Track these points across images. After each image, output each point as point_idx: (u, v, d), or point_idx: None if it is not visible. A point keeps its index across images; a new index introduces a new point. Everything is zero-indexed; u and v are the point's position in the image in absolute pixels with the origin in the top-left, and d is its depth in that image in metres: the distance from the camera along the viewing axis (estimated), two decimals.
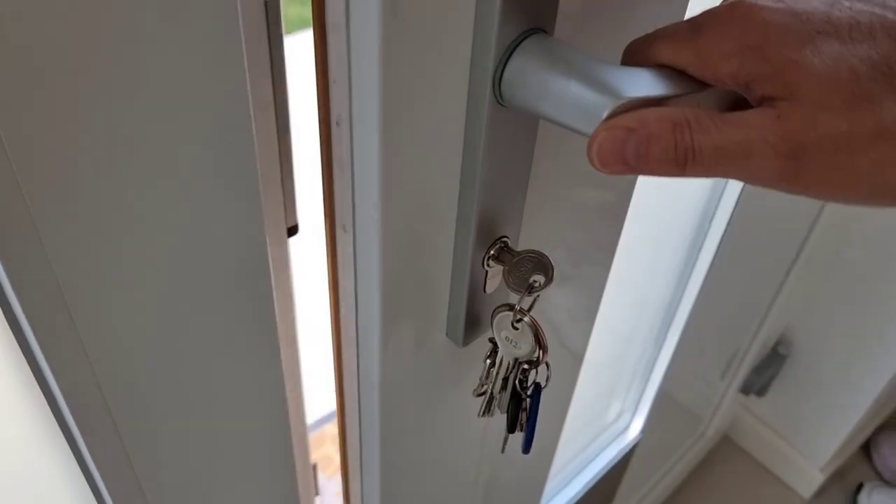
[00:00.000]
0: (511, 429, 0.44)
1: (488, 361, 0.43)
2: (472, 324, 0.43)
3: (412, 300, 0.40)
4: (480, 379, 0.44)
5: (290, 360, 0.72)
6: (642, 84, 0.30)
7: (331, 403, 1.80)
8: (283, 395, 0.68)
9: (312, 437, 1.73)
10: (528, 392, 0.42)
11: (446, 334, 0.44)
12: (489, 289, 0.42)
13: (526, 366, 0.41)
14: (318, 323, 2.09)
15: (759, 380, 1.60)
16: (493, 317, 0.41)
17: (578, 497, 1.01)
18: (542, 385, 0.42)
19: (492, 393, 0.43)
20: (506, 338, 0.41)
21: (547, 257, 0.39)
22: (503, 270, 0.40)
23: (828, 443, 1.61)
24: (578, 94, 0.30)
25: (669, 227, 0.99)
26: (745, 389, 1.62)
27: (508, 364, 0.41)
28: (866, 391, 1.49)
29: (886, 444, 1.70)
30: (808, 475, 1.66)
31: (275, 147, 0.56)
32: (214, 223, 0.36)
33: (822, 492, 1.68)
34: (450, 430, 0.54)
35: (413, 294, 0.40)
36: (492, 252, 0.40)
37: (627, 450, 1.14)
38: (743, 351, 1.45)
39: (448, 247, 0.39)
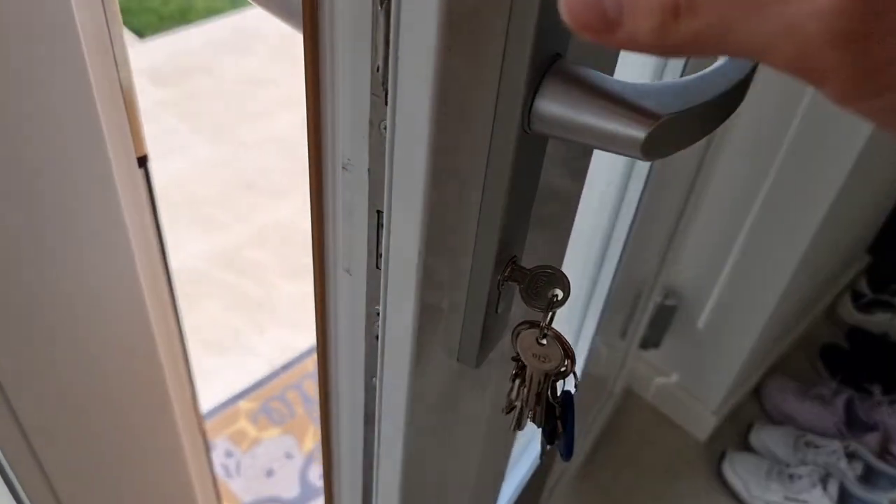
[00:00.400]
0: (551, 440, 0.44)
1: (517, 381, 0.42)
2: (485, 345, 0.42)
3: (435, 334, 0.40)
4: (509, 397, 0.44)
5: (156, 280, 0.74)
6: (683, 95, 0.30)
7: (246, 379, 1.86)
8: (149, 323, 0.69)
9: (225, 413, 1.79)
10: (559, 402, 0.43)
11: (458, 359, 0.43)
12: (501, 309, 0.41)
13: (554, 378, 0.42)
14: (239, 292, 2.23)
15: (654, 333, 1.66)
16: (515, 336, 0.41)
17: (526, 479, 1.05)
18: (573, 392, 0.43)
19: (521, 408, 0.43)
20: (533, 354, 0.41)
21: (560, 270, 0.39)
22: (519, 289, 0.40)
23: (718, 386, 1.67)
24: (613, 118, 0.30)
25: (586, 209, 1.01)
26: (644, 344, 1.68)
27: (540, 380, 0.42)
28: (748, 333, 1.57)
29: (773, 386, 1.78)
30: (703, 419, 1.73)
31: (116, 82, 0.60)
32: (59, 154, 0.37)
33: (716, 434, 1.74)
34: (460, 449, 0.55)
35: (436, 328, 0.40)
36: (506, 273, 0.39)
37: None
38: (641, 309, 1.50)
39: (465, 274, 0.39)
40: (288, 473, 1.67)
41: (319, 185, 0.37)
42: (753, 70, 0.33)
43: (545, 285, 0.39)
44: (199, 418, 0.97)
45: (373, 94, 0.32)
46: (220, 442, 1.71)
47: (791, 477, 1.59)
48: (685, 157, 1.17)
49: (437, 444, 0.50)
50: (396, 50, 0.29)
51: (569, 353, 0.40)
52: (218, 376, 1.84)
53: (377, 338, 0.41)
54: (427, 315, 0.38)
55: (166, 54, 2.80)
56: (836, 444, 1.62)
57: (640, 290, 1.43)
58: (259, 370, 1.85)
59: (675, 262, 1.55)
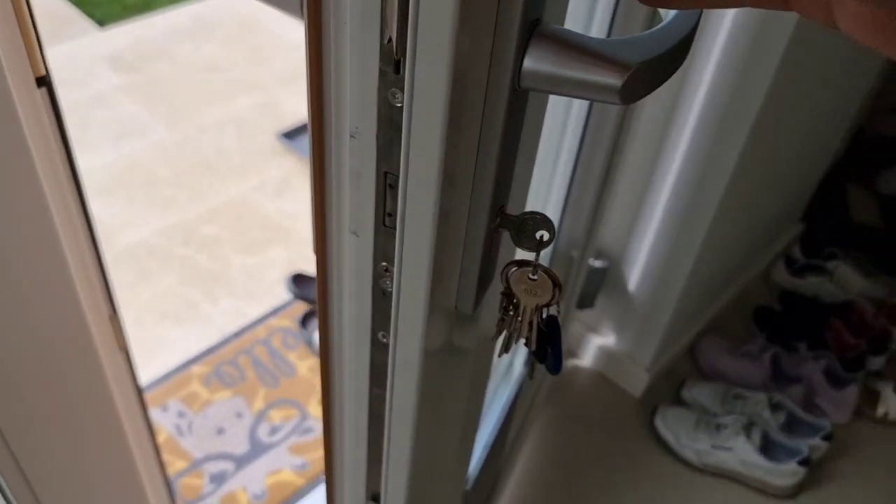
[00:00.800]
0: (542, 359, 0.48)
1: (511, 313, 0.46)
2: (480, 290, 0.46)
3: (440, 284, 0.43)
4: (498, 326, 0.48)
5: (69, 214, 0.75)
6: (646, 47, 0.35)
7: (200, 346, 1.93)
8: (60, 249, 0.69)
9: (178, 377, 1.86)
10: (545, 325, 0.47)
11: (455, 306, 0.46)
12: (492, 255, 0.45)
13: (544, 306, 0.46)
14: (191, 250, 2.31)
15: (588, 294, 1.71)
16: (506, 275, 0.45)
17: (494, 435, 1.10)
18: (557, 314, 0.47)
19: (510, 336, 0.47)
20: (525, 290, 0.45)
21: (544, 214, 0.43)
22: (510, 234, 0.43)
23: (649, 345, 1.73)
24: (594, 70, 0.34)
25: None
26: (579, 305, 1.72)
27: (532, 310, 0.46)
28: (672, 292, 1.62)
29: (706, 344, 1.86)
30: (637, 376, 1.79)
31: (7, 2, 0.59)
32: None
33: (650, 390, 1.80)
34: (454, 388, 0.58)
35: (440, 279, 0.43)
36: (497, 221, 0.43)
37: (517, 389, 1.23)
38: (576, 270, 1.51)
39: (463, 226, 0.42)
40: (238, 431, 1.75)
41: (321, 155, 0.40)
42: (696, 27, 0.38)
43: (531, 229, 0.43)
44: (136, 386, 1.01)
45: (382, 65, 0.35)
46: (172, 403, 1.79)
47: (717, 427, 1.68)
48: (607, 116, 1.24)
49: (438, 387, 0.52)
50: (416, 25, 0.31)
51: (557, 284, 0.44)
52: (174, 344, 1.91)
53: (385, 293, 0.44)
54: (435, 268, 0.40)
55: (127, 41, 2.85)
56: (761, 396, 1.71)
57: (574, 252, 1.46)
58: (212, 337, 1.93)
59: (604, 223, 1.59)
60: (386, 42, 0.34)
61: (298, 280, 2.03)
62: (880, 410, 1.79)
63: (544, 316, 0.47)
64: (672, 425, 1.71)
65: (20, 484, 0.78)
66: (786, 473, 1.61)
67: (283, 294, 2.04)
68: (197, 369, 1.87)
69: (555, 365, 0.49)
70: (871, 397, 1.81)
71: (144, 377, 1.86)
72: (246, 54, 2.86)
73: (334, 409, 0.56)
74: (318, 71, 0.37)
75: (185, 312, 1.97)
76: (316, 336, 1.88)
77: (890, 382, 1.82)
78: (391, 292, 0.43)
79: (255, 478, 1.67)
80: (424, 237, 0.39)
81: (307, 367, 1.88)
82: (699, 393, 1.77)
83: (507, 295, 0.46)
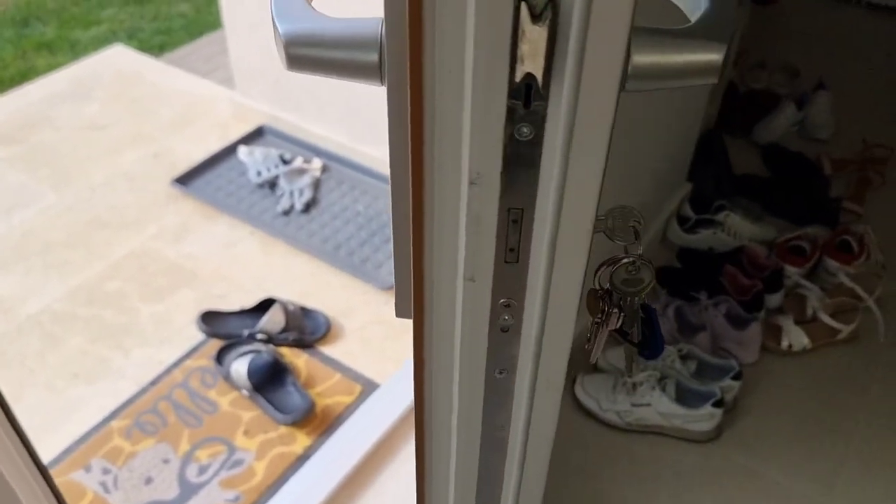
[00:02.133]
0: (642, 349, 0.48)
1: (615, 311, 0.46)
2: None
3: None
4: (593, 329, 0.47)
5: None
6: (722, 27, 0.37)
7: (117, 401, 1.91)
8: None
9: (98, 435, 1.84)
10: (644, 312, 0.46)
11: None
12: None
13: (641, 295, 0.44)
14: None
15: None
16: (598, 276, 0.44)
17: None
18: (647, 302, 0.46)
19: (600, 334, 0.47)
20: (624, 281, 0.44)
21: (625, 205, 0.43)
22: (605, 232, 0.43)
23: None
24: (697, 54, 0.37)
25: None
26: None
27: (635, 301, 0.45)
28: None
29: None
30: None
31: None
32: None
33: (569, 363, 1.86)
34: None
35: None
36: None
37: None
38: None
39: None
40: (166, 477, 1.73)
41: (421, 214, 0.38)
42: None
43: (622, 222, 0.43)
44: (31, 454, 0.99)
45: (510, 103, 0.34)
46: (95, 462, 1.76)
47: (633, 386, 1.73)
48: None
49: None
50: (582, 51, 0.32)
51: (654, 271, 0.43)
52: (89, 402, 1.88)
53: (504, 329, 0.43)
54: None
55: (5, 114, 2.79)
56: (671, 349, 1.77)
57: None
58: (128, 389, 1.91)
59: None
60: (519, 79, 0.33)
61: (208, 318, 2.03)
62: (784, 343, 1.87)
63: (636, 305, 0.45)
64: (592, 392, 1.75)
65: None
66: (703, 417, 1.67)
67: (195, 335, 2.03)
68: (116, 424, 1.85)
69: (657, 349, 0.48)
70: (774, 333, 1.88)
71: (62, 441, 1.83)
72: (128, 108, 2.85)
73: (428, 464, 0.55)
74: (420, 133, 0.35)
75: (98, 370, 1.95)
76: (234, 368, 1.88)
77: (789, 316, 1.90)
78: (513, 326, 0.42)
79: None
80: (578, 259, 0.38)
81: (228, 401, 1.88)
82: (613, 357, 1.82)
83: (603, 295, 0.45)
